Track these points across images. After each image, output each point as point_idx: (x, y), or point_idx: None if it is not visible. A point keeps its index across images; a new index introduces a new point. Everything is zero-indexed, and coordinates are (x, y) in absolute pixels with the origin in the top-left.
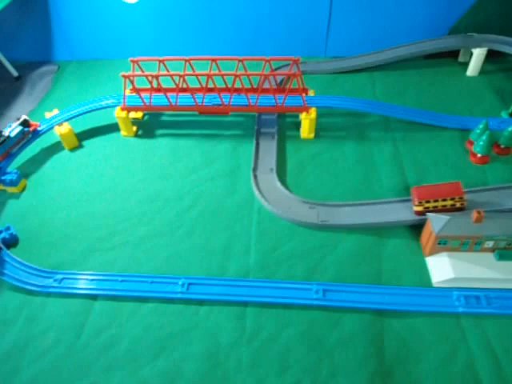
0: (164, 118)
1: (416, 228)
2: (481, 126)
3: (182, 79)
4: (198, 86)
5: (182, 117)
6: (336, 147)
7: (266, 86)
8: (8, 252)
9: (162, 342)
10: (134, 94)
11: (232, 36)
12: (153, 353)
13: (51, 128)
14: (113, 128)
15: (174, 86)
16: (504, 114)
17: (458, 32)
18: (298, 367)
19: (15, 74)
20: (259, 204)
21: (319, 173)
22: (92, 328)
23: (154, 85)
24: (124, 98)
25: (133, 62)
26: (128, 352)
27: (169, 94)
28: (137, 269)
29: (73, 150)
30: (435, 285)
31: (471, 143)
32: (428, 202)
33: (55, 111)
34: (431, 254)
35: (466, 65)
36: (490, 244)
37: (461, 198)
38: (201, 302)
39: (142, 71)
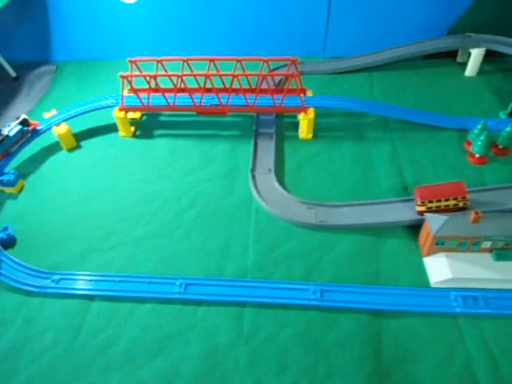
0: (162, 119)
1: (414, 228)
2: (479, 127)
3: (180, 79)
4: (196, 86)
5: (180, 117)
6: (334, 147)
7: (265, 86)
8: (5, 253)
9: (159, 343)
10: (132, 94)
11: (230, 36)
12: (150, 353)
13: (49, 128)
14: (111, 128)
15: (172, 87)
16: (502, 115)
17: (456, 32)
18: (295, 367)
19: (13, 74)
20: (257, 204)
21: (317, 173)
22: (89, 328)
23: (152, 85)
24: (122, 99)
25: (131, 62)
26: (126, 352)
27: (167, 95)
28: (134, 269)
29: (71, 150)
30: (433, 285)
31: (469, 143)
32: (431, 201)
33: (53, 111)
34: (429, 254)
35: (464, 65)
36: (487, 244)
37: (464, 198)
38: (199, 303)
39: (140, 71)
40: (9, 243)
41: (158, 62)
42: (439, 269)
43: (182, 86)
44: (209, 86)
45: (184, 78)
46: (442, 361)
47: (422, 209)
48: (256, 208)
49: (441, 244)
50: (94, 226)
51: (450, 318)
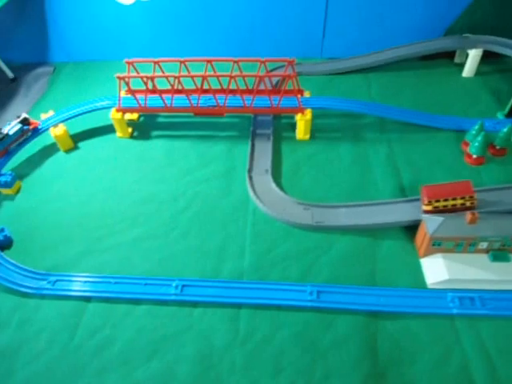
0: (159, 120)
1: (411, 229)
2: (476, 127)
3: (177, 80)
4: (194, 87)
5: (178, 118)
6: (331, 148)
7: (262, 87)
8: (2, 254)
9: (155, 344)
10: (129, 95)
11: (228, 37)
12: (146, 355)
13: (47, 129)
14: (108, 129)
15: (169, 88)
16: (500, 115)
17: (453, 33)
18: (291, 369)
19: (11, 75)
20: (254, 205)
21: (314, 174)
22: (85, 330)
23: (149, 86)
24: (119, 100)
25: (128, 63)
26: (121, 354)
27: (164, 96)
28: (131, 271)
29: (68, 151)
30: (429, 286)
31: (467, 144)
32: (438, 201)
33: (51, 113)
34: (426, 255)
35: (461, 66)
36: (484, 245)
37: (471, 198)
38: (194, 304)
39: (138, 72)
40: (5, 245)
41: (155, 63)
42: (436, 270)
43: (179, 87)
44: (206, 87)
45: (181, 79)
46: (438, 362)
47: (429, 208)
48: (253, 209)
49: (437, 245)
50: (90, 227)
51: (446, 319)
